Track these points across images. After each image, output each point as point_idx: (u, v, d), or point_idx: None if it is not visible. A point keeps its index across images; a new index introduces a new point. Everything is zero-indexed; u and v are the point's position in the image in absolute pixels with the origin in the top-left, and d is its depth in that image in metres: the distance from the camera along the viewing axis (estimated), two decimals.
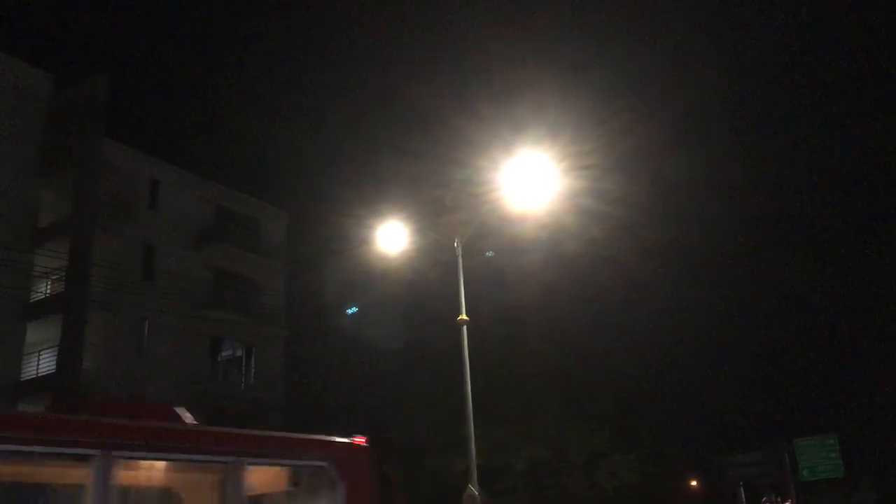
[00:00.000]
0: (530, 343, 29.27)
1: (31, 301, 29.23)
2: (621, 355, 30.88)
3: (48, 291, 29.87)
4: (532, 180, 13.33)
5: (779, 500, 27.78)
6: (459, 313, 14.97)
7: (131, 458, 6.52)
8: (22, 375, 28.31)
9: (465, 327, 14.90)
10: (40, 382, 27.72)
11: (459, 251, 15.35)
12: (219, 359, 34.33)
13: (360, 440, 7.76)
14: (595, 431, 29.40)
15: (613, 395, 30.44)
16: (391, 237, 15.67)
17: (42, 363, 28.33)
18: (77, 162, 30.23)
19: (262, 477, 7.31)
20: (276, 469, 7.49)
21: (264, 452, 7.24)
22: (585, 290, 29.39)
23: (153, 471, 7.23)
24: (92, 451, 6.07)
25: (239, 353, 34.98)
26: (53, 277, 29.71)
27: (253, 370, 34.95)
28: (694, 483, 51.95)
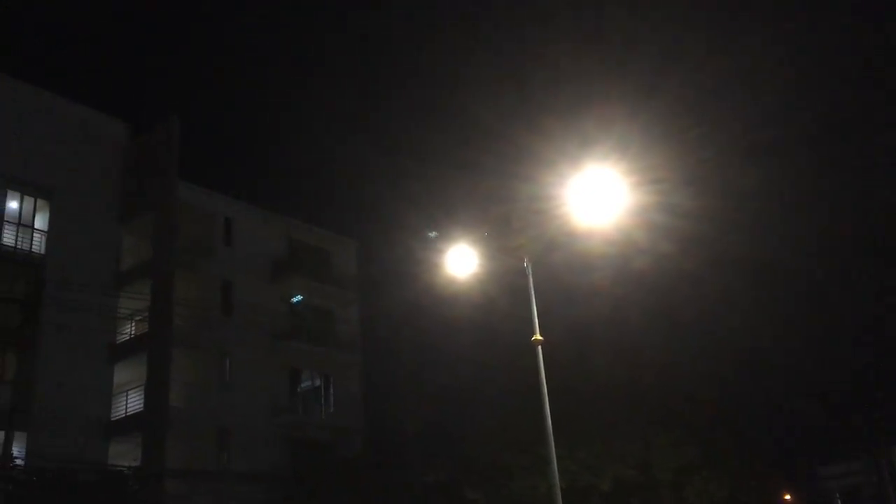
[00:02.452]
0: (602, 359, 28.81)
1: (118, 342, 30.27)
2: (701, 370, 30.06)
3: (133, 332, 30.89)
4: (599, 195, 13.16)
5: None
6: (533, 333, 14.81)
7: None
8: (112, 415, 29.28)
9: (539, 347, 14.73)
10: (130, 421, 28.60)
11: (530, 271, 15.23)
12: (298, 389, 34.84)
13: None
14: (681, 447, 28.66)
15: (697, 409, 29.65)
16: (460, 260, 15.67)
17: (130, 402, 29.23)
18: (154, 205, 31.33)
19: None
20: None
21: None
22: (658, 305, 28.66)
23: None
24: None
25: (317, 382, 35.44)
26: (137, 318, 30.75)
27: (332, 398, 35.34)
28: (788, 497, 50.01)
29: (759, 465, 33.66)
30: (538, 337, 14.81)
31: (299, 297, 35.66)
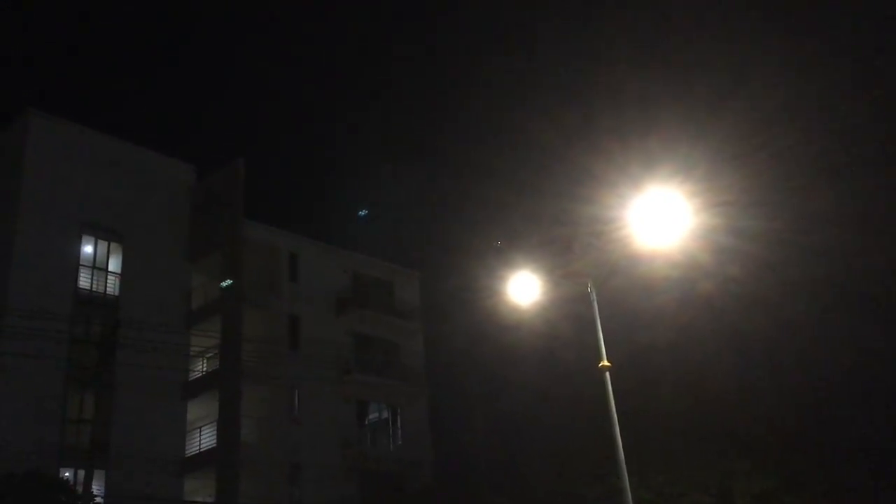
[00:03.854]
0: (668, 386, 28.13)
1: (190, 380, 30.93)
2: (775, 396, 29.09)
3: (204, 369, 31.53)
4: (663, 218, 12.93)
5: None
6: (600, 360, 14.56)
7: None
8: (186, 451, 29.83)
9: (607, 373, 14.47)
10: (204, 457, 29.09)
11: (594, 295, 15.02)
12: (366, 422, 34.97)
13: None
14: (760, 473, 27.67)
15: (775, 434, 28.65)
16: (523, 287, 15.55)
17: (203, 438, 29.75)
18: (221, 244, 32.09)
19: None
20: None
21: None
22: (725, 330, 27.81)
23: None
24: None
25: (385, 414, 35.52)
26: (208, 356, 31.40)
27: (399, 430, 35.35)
28: None
29: (844, 491, 32.25)
30: (605, 363, 14.54)
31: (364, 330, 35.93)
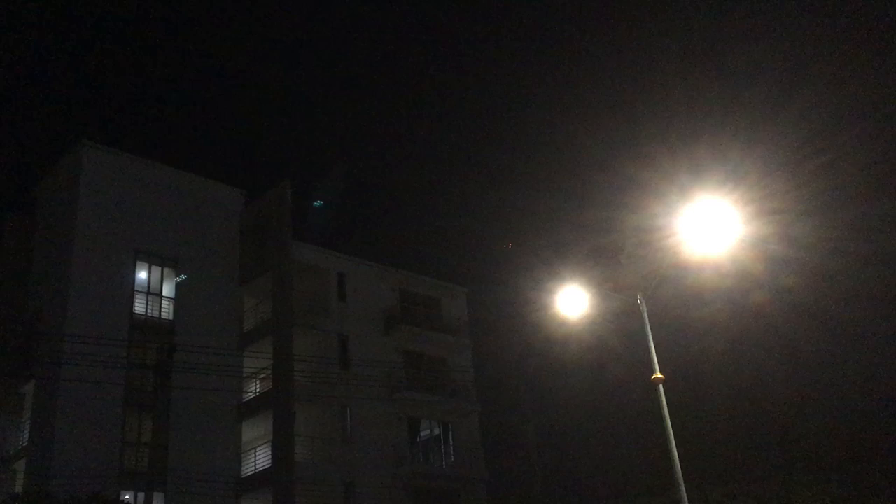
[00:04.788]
0: (720, 397, 27.61)
1: (244, 401, 31.33)
2: (834, 407, 28.31)
3: (257, 390, 31.91)
4: (712, 226, 12.71)
5: None
6: (653, 372, 14.35)
7: None
8: (242, 472, 30.17)
9: (661, 386, 14.26)
10: (259, 478, 29.38)
11: (644, 308, 14.85)
12: (418, 439, 34.97)
13: None
14: (823, 485, 26.92)
15: (838, 445, 27.86)
16: (571, 301, 15.43)
17: (259, 459, 30.06)
18: (271, 266, 32.54)
19: None
20: None
21: None
22: (779, 341, 27.16)
23: None
24: None
25: (436, 431, 35.48)
26: (261, 377, 31.79)
27: (451, 447, 35.26)
28: None
29: None
30: (659, 375, 14.33)
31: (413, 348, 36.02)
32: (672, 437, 13.83)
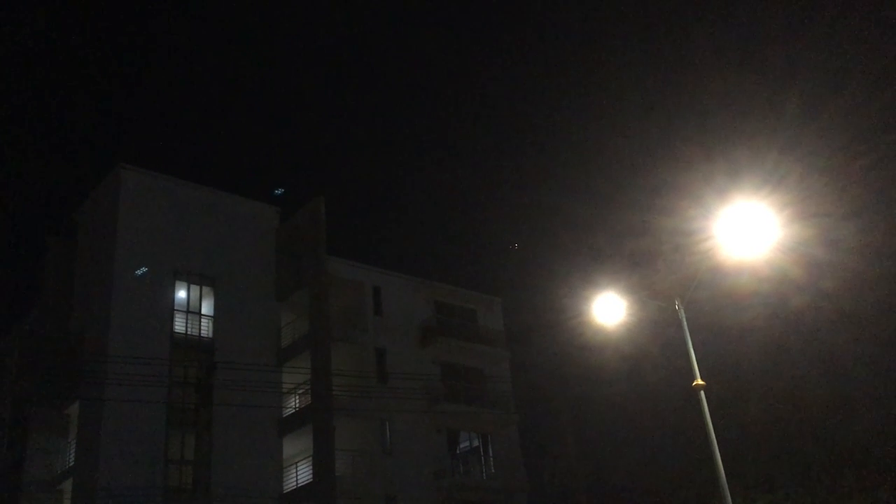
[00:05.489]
0: (759, 402, 27.12)
1: (284, 416, 31.57)
2: (876, 415, 27.68)
3: (297, 405, 32.13)
4: (749, 229, 12.55)
5: None
6: (693, 378, 14.18)
7: None
8: (284, 487, 30.37)
9: (702, 392, 14.08)
10: (301, 492, 29.55)
11: (682, 313, 14.70)
12: (457, 451, 34.91)
13: None
14: (872, 490, 26.33)
15: (888, 449, 27.24)
16: (608, 308, 15.32)
17: (300, 474, 30.24)
18: (307, 281, 32.83)
19: None
20: None
21: None
22: (818, 347, 26.59)
23: None
24: None
25: (476, 443, 35.40)
26: (300, 391, 32.02)
27: (491, 458, 35.14)
28: None
29: None
30: (699, 381, 14.15)
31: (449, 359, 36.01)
32: (716, 445, 13.64)
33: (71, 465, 28.90)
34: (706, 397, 13.96)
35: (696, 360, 14.37)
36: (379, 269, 35.69)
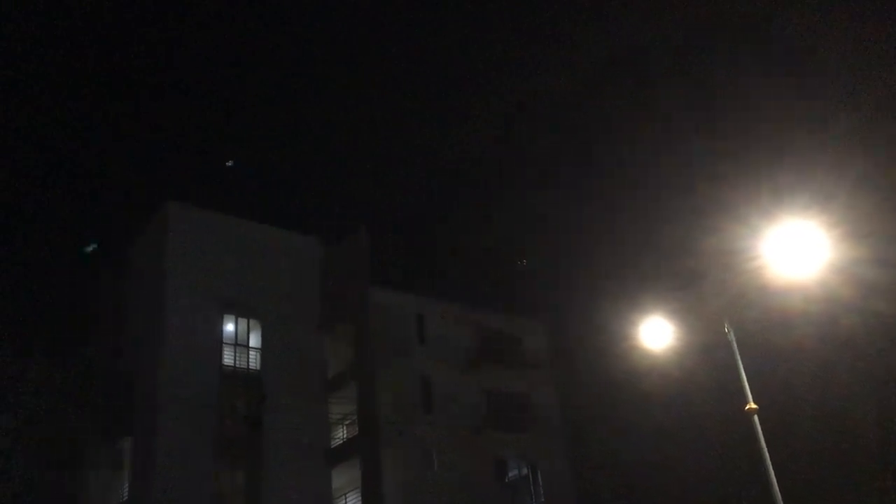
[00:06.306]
0: (809, 423, 26.45)
1: (332, 447, 31.64)
2: None
3: (344, 436, 32.19)
4: (798, 249, 12.37)
5: None
6: (745, 402, 13.90)
7: None
8: None
9: (756, 416, 13.79)
10: None
11: (732, 336, 14.47)
12: (506, 480, 34.54)
13: None
14: None
15: None
16: (655, 332, 15.15)
17: None
18: (351, 312, 33.02)
19: None
20: None
21: None
22: (869, 367, 25.93)
23: None
24: None
25: (525, 471, 34.99)
26: (347, 422, 32.09)
27: (541, 488, 34.68)
28: None
29: None
30: (752, 405, 13.86)
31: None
32: (771, 469, 13.35)
33: (125, 499, 29.29)
34: (747, 419, 13.69)
35: (734, 380, 14.12)
36: (422, 297, 35.75)
